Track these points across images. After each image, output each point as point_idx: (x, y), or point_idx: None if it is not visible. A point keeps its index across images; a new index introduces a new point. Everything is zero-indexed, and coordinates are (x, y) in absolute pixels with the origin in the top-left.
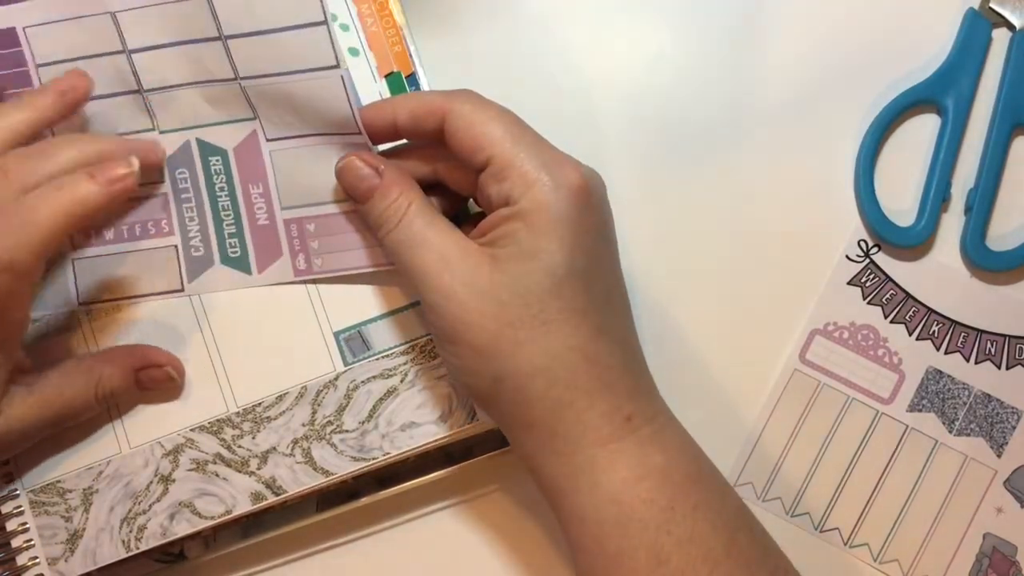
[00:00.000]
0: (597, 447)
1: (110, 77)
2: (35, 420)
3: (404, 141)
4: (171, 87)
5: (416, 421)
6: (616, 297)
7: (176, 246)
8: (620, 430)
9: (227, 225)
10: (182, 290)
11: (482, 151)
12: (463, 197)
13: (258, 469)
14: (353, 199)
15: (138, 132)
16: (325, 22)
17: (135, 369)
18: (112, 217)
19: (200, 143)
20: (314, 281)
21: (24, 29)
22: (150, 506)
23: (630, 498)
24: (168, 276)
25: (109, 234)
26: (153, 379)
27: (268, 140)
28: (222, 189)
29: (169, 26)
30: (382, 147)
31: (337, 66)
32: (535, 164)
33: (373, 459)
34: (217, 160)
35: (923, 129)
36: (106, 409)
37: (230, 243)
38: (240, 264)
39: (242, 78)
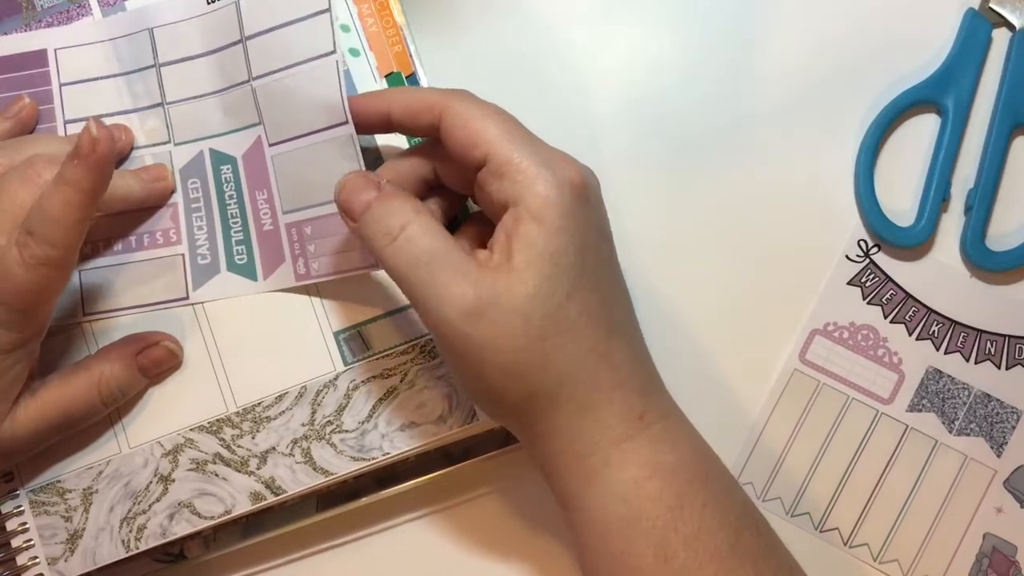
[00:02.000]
0: (612, 447)
1: (136, 93)
2: (40, 425)
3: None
4: (192, 98)
5: (416, 421)
6: (619, 294)
7: (183, 255)
8: (633, 428)
9: (235, 232)
10: (186, 298)
11: (478, 148)
12: (463, 197)
13: (258, 469)
14: (349, 216)
15: (156, 145)
16: (328, 10)
17: (134, 356)
18: (123, 227)
19: (213, 152)
20: (316, 287)
21: (56, 51)
22: (150, 506)
23: (638, 497)
24: (173, 285)
25: (118, 245)
26: (153, 359)
27: (270, 145)
28: (231, 197)
29: (202, 36)
30: (380, 140)
31: (333, 52)
32: (534, 160)
33: (373, 459)
34: (227, 168)
35: (923, 129)
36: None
37: (237, 250)
38: (246, 271)
39: (254, 78)
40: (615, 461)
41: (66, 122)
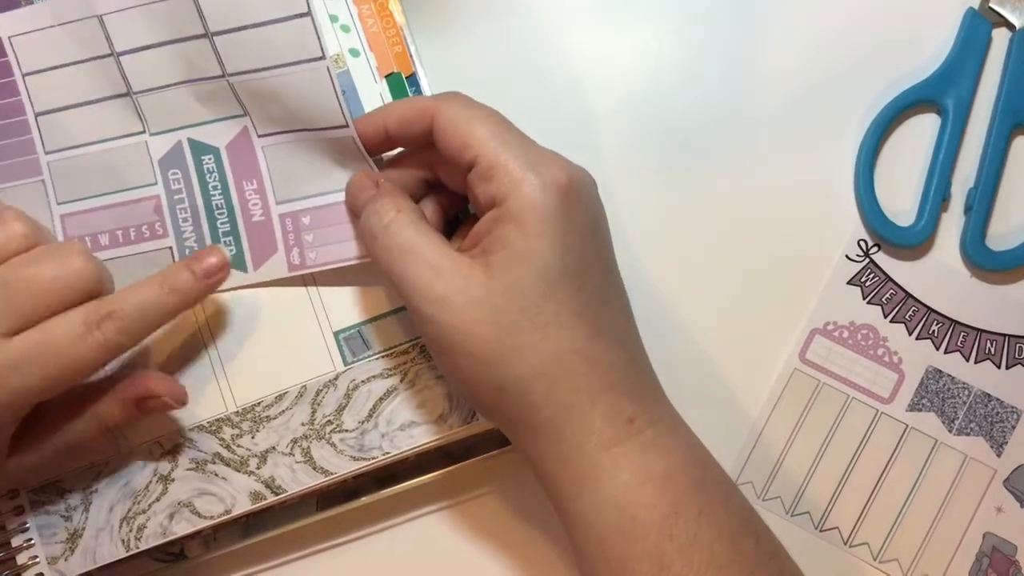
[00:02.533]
0: (601, 451)
1: (100, 82)
2: (47, 467)
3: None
4: (161, 88)
5: (416, 420)
6: (613, 296)
7: (171, 247)
8: (622, 433)
9: (221, 224)
10: None
11: (468, 150)
12: (464, 198)
13: (257, 469)
14: (354, 214)
15: (130, 135)
16: (308, 13)
17: (135, 400)
18: (107, 222)
19: (192, 142)
20: (313, 279)
21: (10, 39)
22: (149, 506)
23: (632, 503)
24: None
25: (104, 239)
26: (152, 408)
27: (260, 136)
28: (215, 187)
29: (155, 26)
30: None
31: (323, 58)
32: (521, 163)
33: (373, 459)
34: (209, 158)
35: (923, 129)
36: None
37: (225, 241)
38: (235, 262)
39: (230, 75)
40: (605, 465)
41: (36, 115)
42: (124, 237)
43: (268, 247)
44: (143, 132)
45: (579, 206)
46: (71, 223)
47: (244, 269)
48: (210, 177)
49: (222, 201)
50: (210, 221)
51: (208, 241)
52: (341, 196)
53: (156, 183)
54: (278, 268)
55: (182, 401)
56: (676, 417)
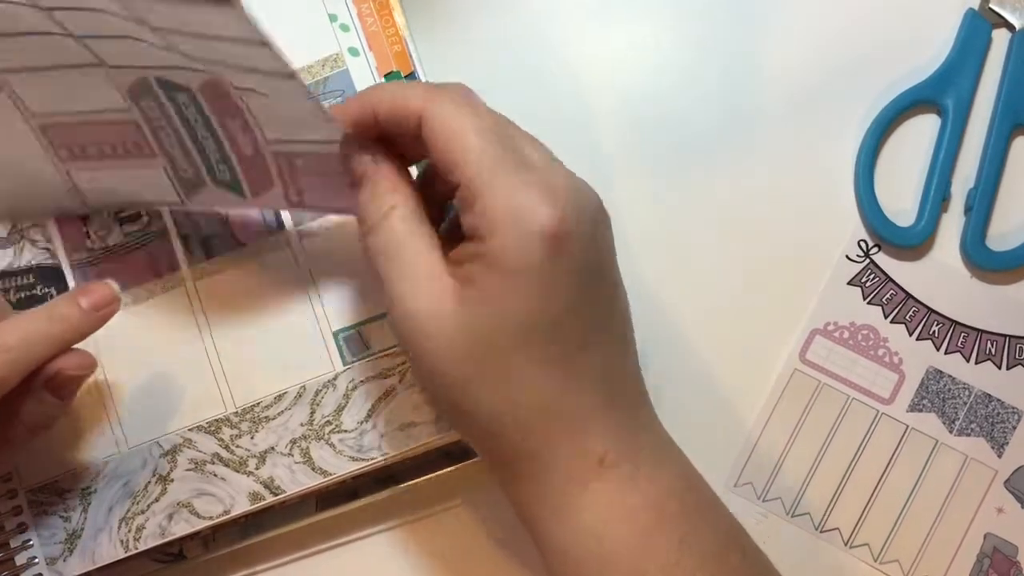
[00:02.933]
0: (573, 485)
1: (27, 22)
2: None
3: None
4: (107, 37)
5: (415, 421)
6: (605, 333)
7: (165, 167)
8: (591, 472)
9: (211, 151)
10: (182, 203)
11: (455, 169)
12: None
13: (256, 469)
14: (349, 175)
15: (87, 65)
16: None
17: (44, 384)
18: (92, 137)
19: (160, 81)
20: (313, 279)
21: None
22: (148, 506)
23: (610, 534)
24: (165, 190)
25: (91, 150)
26: (63, 385)
27: (236, 88)
28: (196, 120)
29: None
30: None
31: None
32: (504, 205)
33: (372, 459)
34: (184, 96)
35: (923, 129)
36: (104, 409)
37: (219, 169)
38: (232, 187)
39: (194, 58)
40: (580, 500)
41: None
42: (112, 150)
43: (264, 180)
44: (100, 65)
45: (566, 254)
46: (55, 133)
47: (241, 195)
48: (188, 111)
49: (207, 133)
50: (198, 148)
51: (200, 164)
52: (334, 148)
53: (129, 110)
54: (276, 200)
55: (89, 365)
56: (660, 445)
